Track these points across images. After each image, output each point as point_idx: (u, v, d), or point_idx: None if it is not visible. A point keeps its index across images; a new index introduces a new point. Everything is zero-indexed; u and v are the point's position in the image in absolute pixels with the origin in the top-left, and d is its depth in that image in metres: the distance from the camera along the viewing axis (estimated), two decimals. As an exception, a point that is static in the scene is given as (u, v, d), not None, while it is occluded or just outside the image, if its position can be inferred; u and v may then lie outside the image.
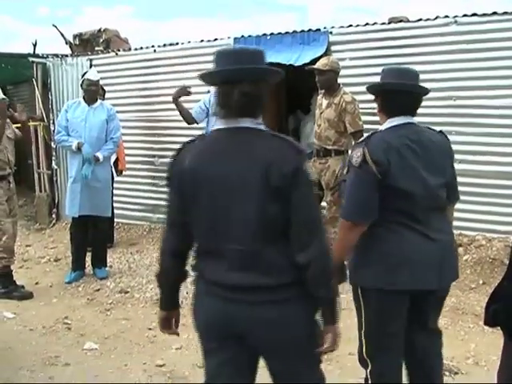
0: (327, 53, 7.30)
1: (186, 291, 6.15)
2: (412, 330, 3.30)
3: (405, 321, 3.23)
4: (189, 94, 6.87)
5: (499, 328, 2.85)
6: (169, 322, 2.83)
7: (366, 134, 3.27)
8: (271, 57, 7.63)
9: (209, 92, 7.19)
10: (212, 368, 2.61)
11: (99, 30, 11.28)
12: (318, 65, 6.36)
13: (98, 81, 6.78)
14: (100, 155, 6.65)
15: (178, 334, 2.92)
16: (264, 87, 2.43)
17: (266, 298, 2.38)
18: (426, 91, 3.26)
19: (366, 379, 3.32)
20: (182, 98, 6.89)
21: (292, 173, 2.32)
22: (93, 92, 6.75)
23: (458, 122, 6.50)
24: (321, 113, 6.46)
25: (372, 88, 3.33)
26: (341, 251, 3.12)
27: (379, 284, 3.09)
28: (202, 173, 2.40)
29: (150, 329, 5.33)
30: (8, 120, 6.83)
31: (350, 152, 3.67)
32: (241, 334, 2.46)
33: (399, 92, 3.21)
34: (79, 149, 6.55)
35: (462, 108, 6.59)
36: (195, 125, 7.02)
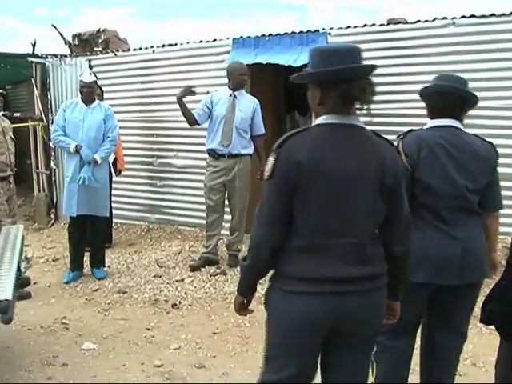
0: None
1: (185, 291, 6.23)
2: (434, 327, 3.52)
3: (422, 313, 3.47)
4: (194, 93, 6.88)
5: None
6: (247, 305, 2.87)
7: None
8: (270, 58, 7.68)
9: (208, 93, 7.21)
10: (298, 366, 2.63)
11: (98, 31, 11.30)
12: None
13: (92, 82, 6.76)
14: (97, 157, 6.63)
15: (252, 311, 2.96)
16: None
17: (377, 285, 2.56)
18: (475, 98, 3.37)
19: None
20: (186, 98, 6.88)
21: (400, 172, 2.56)
22: (87, 93, 6.76)
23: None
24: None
25: (420, 91, 3.56)
26: None
27: None
28: (319, 167, 2.42)
29: (148, 329, 5.34)
30: (8, 122, 6.88)
31: None
32: (339, 326, 2.53)
33: (442, 94, 3.35)
34: (77, 151, 6.54)
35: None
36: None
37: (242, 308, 2.87)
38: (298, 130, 2.55)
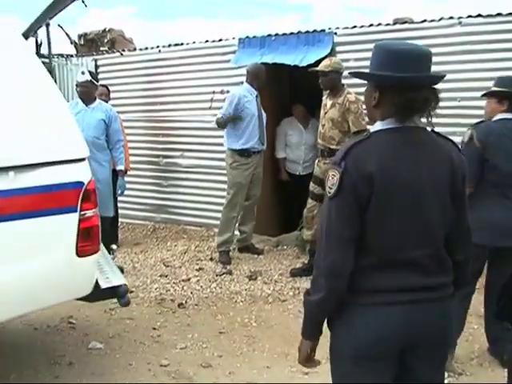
0: (332, 53, 7.31)
1: (191, 291, 6.24)
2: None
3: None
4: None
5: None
6: (314, 353, 2.46)
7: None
8: (276, 58, 7.69)
9: (225, 92, 7.28)
10: None
11: (104, 30, 11.29)
12: (320, 66, 6.45)
13: (85, 82, 6.79)
14: (121, 167, 7.07)
15: (320, 363, 2.54)
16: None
17: (449, 292, 2.42)
18: None
19: None
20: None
21: (466, 173, 2.43)
22: (81, 93, 6.85)
23: (462, 123, 6.47)
24: (325, 113, 6.51)
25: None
26: None
27: None
28: (393, 177, 2.24)
29: (154, 328, 5.34)
30: None
31: None
32: (418, 338, 2.34)
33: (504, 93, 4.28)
34: None
35: (466, 109, 6.57)
36: (201, 125, 7.08)
37: (310, 358, 2.46)
38: (358, 139, 2.33)
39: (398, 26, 7.17)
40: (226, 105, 7.06)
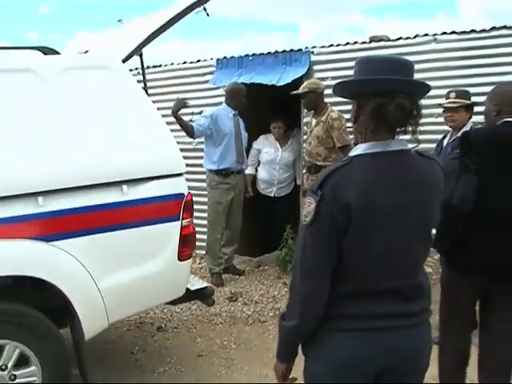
0: (309, 72, 7.36)
1: (171, 314, 6.18)
2: None
3: None
4: (187, 105, 6.87)
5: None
6: (289, 373, 2.46)
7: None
8: (253, 77, 7.70)
9: (201, 112, 7.21)
10: None
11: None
12: (299, 90, 6.60)
13: None
14: None
15: (296, 379, 2.53)
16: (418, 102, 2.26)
17: (427, 318, 2.37)
18: None
19: None
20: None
21: (442, 193, 2.37)
22: None
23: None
24: (310, 131, 6.74)
25: None
26: None
27: None
28: (372, 206, 2.14)
29: (132, 353, 5.29)
30: None
31: None
32: (396, 363, 2.29)
33: None
34: None
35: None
36: (181, 146, 7.00)
37: (285, 377, 2.45)
38: (337, 165, 2.21)
39: (373, 44, 7.20)
40: (201, 116, 7.05)
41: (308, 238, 2.21)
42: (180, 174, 4.40)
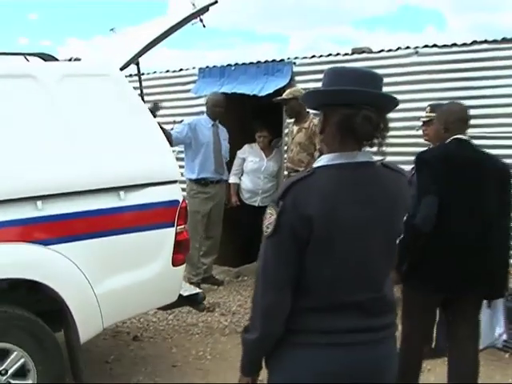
0: (291, 83, 7.36)
1: (147, 323, 6.12)
2: None
3: None
4: (161, 107, 6.81)
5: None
6: None
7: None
8: (235, 87, 7.69)
9: (182, 121, 7.17)
10: None
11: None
12: (283, 96, 6.57)
13: None
14: None
15: None
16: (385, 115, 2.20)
17: (392, 332, 2.33)
18: None
19: None
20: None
21: (408, 206, 2.39)
22: None
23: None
24: (292, 138, 6.71)
25: None
26: None
27: None
28: (335, 219, 2.09)
29: (107, 362, 5.21)
30: None
31: None
32: (358, 379, 2.20)
33: None
34: None
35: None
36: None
37: None
38: (300, 176, 2.15)
39: (355, 56, 7.22)
40: (181, 124, 7.04)
41: (269, 250, 2.16)
42: (175, 181, 4.45)
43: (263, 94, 7.38)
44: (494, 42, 6.52)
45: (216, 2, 5.81)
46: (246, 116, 8.80)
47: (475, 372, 3.78)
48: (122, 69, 5.02)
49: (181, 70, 8.45)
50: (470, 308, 3.78)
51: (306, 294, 2.17)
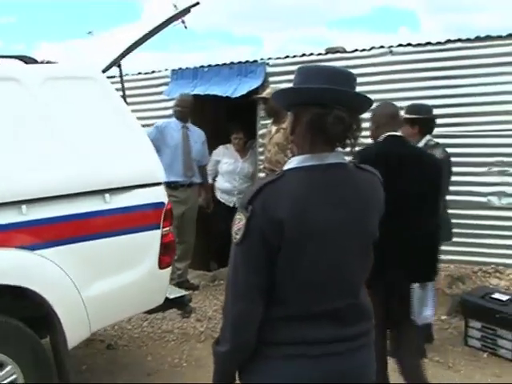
0: (265, 84, 7.29)
1: (122, 331, 6.00)
2: None
3: None
4: None
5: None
6: None
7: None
8: (208, 89, 7.61)
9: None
10: None
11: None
12: (263, 94, 6.53)
13: None
14: None
15: None
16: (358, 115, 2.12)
17: (371, 339, 2.24)
18: None
19: None
20: None
21: (383, 206, 2.24)
22: None
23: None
24: (270, 139, 6.53)
25: None
26: None
27: None
28: (306, 223, 1.99)
29: (81, 372, 5.10)
30: None
31: None
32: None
33: None
34: None
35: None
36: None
37: None
38: (270, 179, 2.06)
39: (329, 56, 7.18)
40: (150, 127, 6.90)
41: (238, 257, 2.06)
42: (160, 183, 4.46)
43: (236, 95, 7.30)
44: (468, 40, 6.53)
45: (198, 4, 5.81)
46: (221, 118, 8.73)
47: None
48: (104, 71, 5.03)
49: (153, 72, 8.35)
50: (405, 292, 3.80)
51: (278, 303, 2.08)
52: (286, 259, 2.02)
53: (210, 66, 7.86)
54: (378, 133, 3.81)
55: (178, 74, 8.06)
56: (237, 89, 7.38)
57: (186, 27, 5.92)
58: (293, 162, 2.11)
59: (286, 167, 2.12)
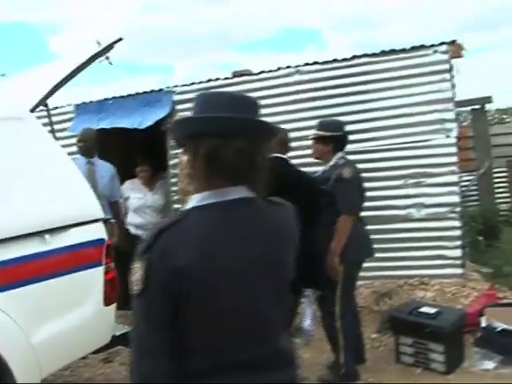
0: (172, 113, 7.08)
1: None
2: None
3: None
4: None
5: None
6: None
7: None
8: (114, 122, 7.35)
9: None
10: None
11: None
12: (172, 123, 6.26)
13: None
14: None
15: None
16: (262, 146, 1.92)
17: None
18: None
19: None
20: None
21: (297, 240, 2.03)
22: None
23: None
24: (182, 169, 6.25)
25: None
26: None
27: None
28: (212, 269, 1.78)
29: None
30: None
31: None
32: None
33: None
34: None
35: (310, 157, 6.45)
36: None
37: None
38: (171, 220, 1.86)
39: (236, 79, 7.05)
40: None
41: (140, 312, 1.81)
42: (98, 220, 4.39)
43: (144, 126, 7.05)
44: (374, 55, 6.53)
45: (121, 39, 5.81)
46: (130, 150, 8.43)
47: None
48: (32, 110, 4.99)
49: (56, 107, 7.98)
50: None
51: (191, 356, 1.85)
52: (195, 308, 1.79)
53: (114, 97, 7.59)
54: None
55: (82, 108, 7.77)
56: (143, 120, 7.12)
57: (110, 63, 5.92)
58: (194, 200, 1.90)
59: (188, 206, 1.91)
